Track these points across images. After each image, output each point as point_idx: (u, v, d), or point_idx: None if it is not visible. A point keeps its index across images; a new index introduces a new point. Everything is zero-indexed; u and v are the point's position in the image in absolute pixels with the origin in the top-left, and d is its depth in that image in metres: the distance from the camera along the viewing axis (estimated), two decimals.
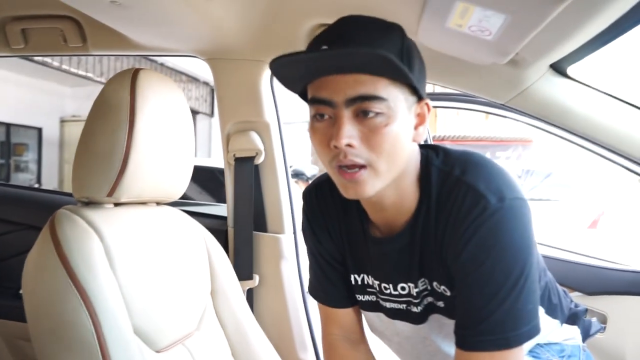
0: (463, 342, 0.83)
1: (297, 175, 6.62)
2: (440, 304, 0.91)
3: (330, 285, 1.05)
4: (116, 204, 1.04)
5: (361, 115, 0.77)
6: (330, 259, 1.03)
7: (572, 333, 1.10)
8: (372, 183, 0.79)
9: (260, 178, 1.53)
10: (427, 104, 0.84)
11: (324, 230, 1.02)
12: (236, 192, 1.51)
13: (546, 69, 1.19)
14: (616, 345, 1.49)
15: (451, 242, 0.83)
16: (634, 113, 1.20)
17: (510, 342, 0.79)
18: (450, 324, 0.91)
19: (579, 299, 1.58)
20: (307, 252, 1.08)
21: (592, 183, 8.07)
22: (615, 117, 1.22)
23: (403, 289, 0.93)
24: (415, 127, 0.83)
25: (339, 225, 0.99)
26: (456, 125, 11.55)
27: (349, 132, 0.76)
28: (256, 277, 1.51)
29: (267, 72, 1.47)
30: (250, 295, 1.51)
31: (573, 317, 1.09)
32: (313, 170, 6.38)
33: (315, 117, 0.80)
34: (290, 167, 5.39)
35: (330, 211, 1.00)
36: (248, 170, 1.50)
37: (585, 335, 1.13)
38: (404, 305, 0.95)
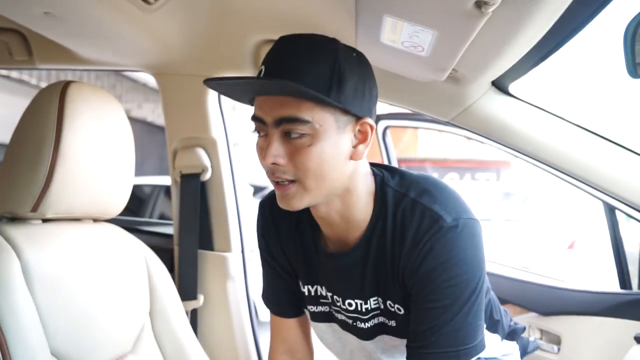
0: (413, 355, 0.86)
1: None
2: (392, 323, 0.94)
3: (279, 294, 1.08)
4: (44, 220, 1.00)
5: (287, 136, 0.81)
6: (280, 269, 1.06)
7: (511, 349, 1.13)
8: (300, 197, 0.83)
9: (207, 195, 1.50)
10: (367, 123, 0.85)
11: (276, 242, 1.04)
12: (182, 209, 1.48)
13: (488, 86, 1.19)
14: None
15: (408, 260, 0.86)
16: (574, 131, 1.20)
17: (461, 355, 0.84)
18: (398, 344, 0.95)
19: (534, 320, 1.56)
20: (261, 263, 1.09)
21: (569, 205, 8.15)
22: (557, 135, 1.22)
23: (350, 304, 0.96)
24: (355, 145, 0.85)
25: (293, 237, 1.01)
26: (437, 147, 11.65)
27: (275, 151, 0.81)
28: (201, 297, 1.47)
29: None
30: (194, 317, 1.47)
31: (512, 334, 1.12)
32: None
33: (256, 133, 0.85)
34: (267, 187, 5.34)
35: (284, 223, 1.02)
36: (194, 187, 1.47)
37: (523, 352, 1.16)
38: (351, 321, 0.98)
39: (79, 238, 1.04)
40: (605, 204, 1.34)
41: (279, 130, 0.81)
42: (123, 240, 1.15)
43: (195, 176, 1.48)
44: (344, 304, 0.97)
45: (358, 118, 0.84)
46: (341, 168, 0.84)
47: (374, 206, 0.90)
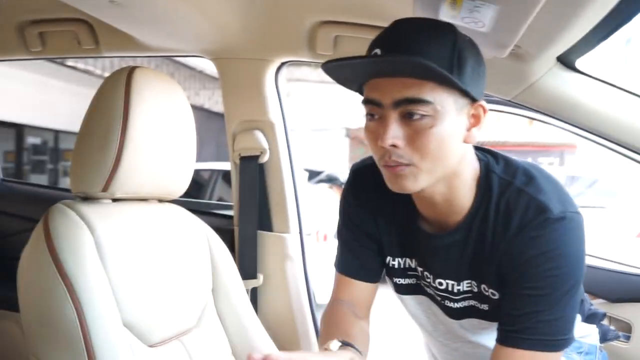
0: (507, 338, 0.87)
1: (331, 180, 6.63)
2: (485, 307, 0.95)
3: (357, 258, 1.07)
4: (114, 200, 1.06)
5: (407, 117, 0.80)
6: (364, 236, 1.05)
7: (590, 331, 1.12)
8: (414, 179, 0.84)
9: (265, 177, 1.53)
10: (482, 106, 0.85)
11: (367, 212, 1.04)
12: (241, 191, 1.52)
13: (553, 62, 1.15)
14: None
15: (510, 246, 0.86)
16: None
17: (556, 345, 0.85)
18: (487, 326, 0.98)
19: (602, 307, 1.50)
20: (340, 225, 1.09)
21: None
22: (630, 113, 1.16)
23: (440, 284, 0.97)
24: (468, 129, 0.85)
25: (388, 210, 1.01)
26: (497, 130, 11.31)
27: (394, 133, 0.80)
28: (260, 277, 1.51)
29: (271, 70, 1.48)
30: (254, 295, 1.51)
31: (591, 317, 1.12)
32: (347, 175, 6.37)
33: (367, 117, 0.85)
34: (323, 172, 5.42)
35: (381, 193, 0.99)
36: (253, 169, 1.51)
37: (603, 338, 1.15)
38: (440, 298, 1.00)
39: (145, 217, 1.09)
40: None
41: (397, 112, 0.80)
42: (187, 220, 1.20)
43: (254, 158, 1.51)
44: (433, 282, 0.98)
45: (473, 101, 0.84)
46: (456, 151, 0.84)
47: (477, 191, 0.90)
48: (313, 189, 5.90)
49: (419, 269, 1.01)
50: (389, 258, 1.04)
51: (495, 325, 0.92)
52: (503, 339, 0.87)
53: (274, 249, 1.53)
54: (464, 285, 0.95)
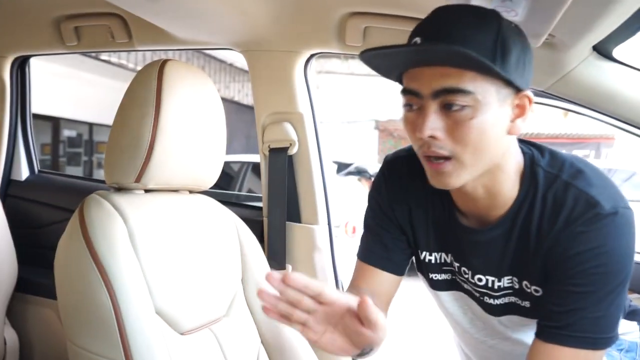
0: (548, 334, 0.84)
1: (360, 172, 6.60)
2: (526, 304, 0.93)
3: (385, 248, 1.03)
4: (147, 191, 1.08)
5: (446, 108, 0.78)
6: (394, 227, 1.03)
7: (631, 328, 1.09)
8: (457, 175, 0.81)
9: (294, 169, 1.54)
10: (527, 96, 0.82)
11: (402, 204, 1.01)
12: (270, 182, 1.53)
13: (589, 51, 1.12)
14: None
15: (556, 241, 0.83)
16: None
17: (599, 343, 0.82)
18: (528, 323, 0.95)
19: (637, 302, 1.46)
20: (369, 215, 1.06)
21: None
22: None
23: (480, 280, 0.95)
24: (513, 120, 0.82)
25: (424, 203, 0.99)
26: (531, 122, 11.06)
27: (433, 124, 0.78)
28: (289, 267, 1.52)
29: (300, 62, 1.48)
30: None
31: (632, 314, 1.09)
32: (376, 168, 6.34)
33: (406, 107, 0.83)
34: (352, 164, 5.40)
35: (416, 185, 0.98)
36: (282, 161, 1.52)
37: None
38: (478, 294, 0.97)
39: (176, 207, 1.11)
40: None
41: (437, 102, 0.79)
42: (217, 211, 1.21)
43: (283, 150, 1.52)
44: (472, 278, 0.96)
45: (517, 91, 0.81)
46: (499, 143, 0.82)
47: (522, 185, 0.87)
48: (342, 181, 5.89)
49: (456, 264, 0.99)
50: (424, 253, 1.02)
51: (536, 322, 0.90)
52: (543, 335, 0.85)
53: (303, 240, 1.54)
54: (505, 282, 0.93)
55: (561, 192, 0.84)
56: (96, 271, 0.90)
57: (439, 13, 0.81)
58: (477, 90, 0.77)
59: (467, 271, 0.96)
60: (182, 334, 1.03)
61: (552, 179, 0.85)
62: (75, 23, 1.55)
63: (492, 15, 0.79)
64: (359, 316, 0.76)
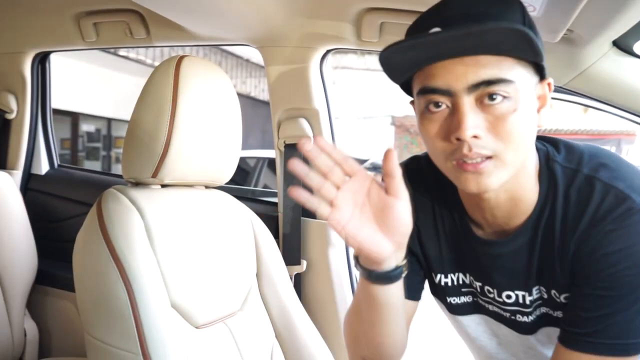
0: (575, 341, 0.76)
1: (376, 168, 6.58)
2: (558, 313, 0.83)
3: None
4: (163, 186, 1.09)
5: (486, 101, 0.69)
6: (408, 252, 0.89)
7: None
8: (498, 174, 0.71)
9: (309, 165, 1.53)
10: (549, 83, 0.75)
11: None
12: (285, 178, 1.54)
13: (608, 46, 1.10)
14: None
15: (582, 242, 0.75)
16: None
17: (631, 350, 0.73)
18: None
19: None
20: None
21: None
22: None
23: (509, 297, 0.85)
24: (538, 110, 0.74)
25: (434, 220, 0.89)
26: (549, 117, 10.91)
27: (474, 122, 0.68)
28: (304, 263, 1.52)
29: (316, 58, 1.48)
30: (298, 281, 1.53)
31: None
32: None
33: (428, 109, 0.72)
34: (368, 160, 5.37)
35: (422, 200, 0.89)
36: (297, 157, 1.51)
37: None
38: (509, 314, 0.87)
39: (192, 202, 1.12)
40: None
41: (472, 97, 0.69)
42: (232, 206, 1.22)
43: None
44: (499, 296, 0.85)
45: (542, 79, 0.74)
46: (533, 137, 0.74)
47: (540, 186, 0.79)
48: None
49: (477, 284, 0.88)
50: (439, 276, 0.92)
51: None
52: (570, 342, 0.76)
53: (317, 236, 1.54)
54: (534, 293, 0.83)
55: (584, 187, 0.75)
56: (113, 265, 0.91)
57: None
58: (518, 78, 0.69)
59: (491, 290, 0.86)
60: (197, 327, 1.04)
61: (572, 174, 0.77)
62: (94, 19, 1.57)
63: None
64: (385, 180, 0.68)
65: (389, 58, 0.72)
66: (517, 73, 0.69)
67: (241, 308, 1.17)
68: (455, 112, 0.70)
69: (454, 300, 0.93)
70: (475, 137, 0.69)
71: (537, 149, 0.80)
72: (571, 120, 10.29)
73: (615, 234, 0.72)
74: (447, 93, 0.70)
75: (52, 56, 1.91)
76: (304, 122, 1.51)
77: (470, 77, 0.68)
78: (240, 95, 1.15)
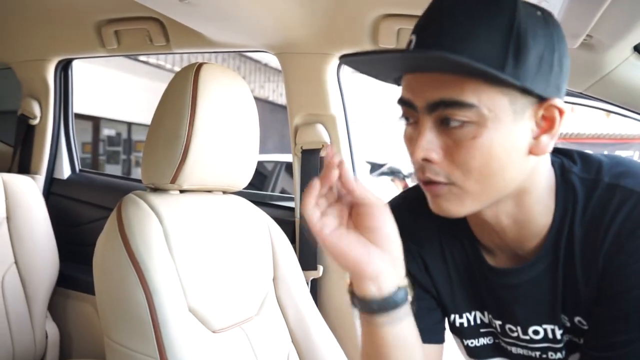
0: None
1: (393, 173, 6.55)
2: (583, 340, 0.74)
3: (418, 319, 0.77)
4: (181, 191, 1.10)
5: (444, 124, 0.63)
6: (420, 290, 0.82)
7: None
8: (458, 202, 0.66)
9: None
10: (555, 106, 0.63)
11: (416, 258, 0.81)
12: (303, 183, 1.54)
13: (629, 52, 1.09)
14: None
15: (609, 259, 0.67)
16: None
17: None
18: None
19: None
20: None
21: None
22: None
23: (536, 333, 0.75)
24: (537, 136, 0.65)
25: (442, 253, 0.80)
26: (571, 122, 10.78)
27: (427, 145, 0.63)
28: (320, 268, 1.52)
29: (333, 65, 1.48)
30: (314, 286, 1.53)
31: None
32: (409, 168, 6.28)
33: (404, 120, 0.69)
34: (386, 164, 5.34)
35: (428, 233, 0.81)
36: (314, 162, 1.52)
37: None
38: (538, 353, 0.77)
39: (210, 207, 1.13)
40: None
41: (433, 117, 0.63)
42: (249, 211, 1.23)
43: (316, 151, 1.52)
44: (524, 334, 0.76)
45: (542, 100, 0.63)
46: (516, 166, 0.65)
47: (557, 202, 0.70)
48: (375, 181, 5.86)
49: (496, 322, 0.79)
50: (453, 316, 0.82)
51: None
52: None
53: None
54: (565, 323, 0.74)
55: (607, 197, 0.68)
56: (133, 269, 0.93)
57: (442, 2, 0.64)
58: (482, 101, 0.60)
59: (513, 328, 0.77)
60: (214, 332, 1.05)
61: (592, 185, 0.69)
62: (115, 27, 1.60)
63: (506, 4, 0.61)
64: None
65: (357, 68, 0.69)
66: (484, 95, 0.61)
67: (258, 313, 1.18)
68: (417, 129, 0.66)
69: (472, 342, 0.83)
70: (428, 160, 0.64)
71: (552, 163, 0.73)
72: (593, 124, 10.13)
73: None
74: (412, 107, 0.65)
75: (74, 62, 1.94)
76: (320, 128, 1.52)
77: (428, 96, 0.63)
78: (258, 99, 1.16)
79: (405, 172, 6.25)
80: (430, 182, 0.66)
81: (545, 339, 0.75)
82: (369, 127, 12.57)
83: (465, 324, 0.82)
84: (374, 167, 6.36)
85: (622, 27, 0.97)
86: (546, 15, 0.64)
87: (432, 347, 0.79)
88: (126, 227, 0.96)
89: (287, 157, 5.42)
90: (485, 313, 0.80)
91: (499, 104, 0.61)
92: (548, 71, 0.62)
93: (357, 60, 0.65)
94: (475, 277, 0.78)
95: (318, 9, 1.31)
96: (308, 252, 1.52)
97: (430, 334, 0.79)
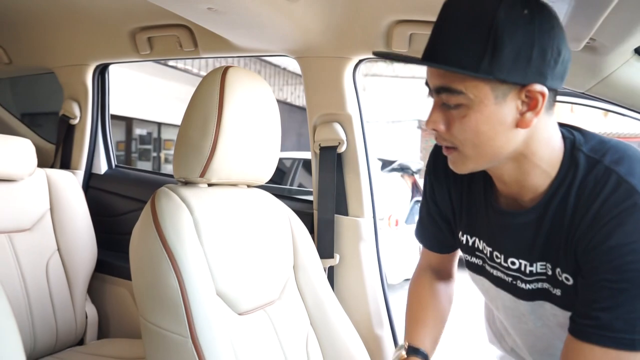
0: (581, 332, 0.76)
1: (403, 169, 6.52)
2: (557, 292, 0.84)
3: (431, 234, 1.08)
4: (210, 185, 1.11)
5: (446, 105, 0.77)
6: (437, 214, 1.04)
7: None
8: (462, 163, 0.81)
9: (342, 166, 1.55)
10: (535, 90, 0.73)
11: (443, 188, 1.00)
12: (320, 178, 1.54)
13: (630, 54, 1.07)
14: None
15: (587, 233, 0.75)
16: None
17: (632, 344, 0.72)
18: (558, 314, 0.86)
19: None
20: (421, 204, 1.10)
21: None
22: None
23: (513, 263, 0.89)
24: (523, 112, 0.75)
25: (462, 186, 0.97)
26: (570, 121, 10.61)
27: (434, 118, 0.78)
28: (337, 256, 1.53)
29: (350, 67, 1.48)
30: (331, 273, 1.54)
31: None
32: (418, 165, 6.25)
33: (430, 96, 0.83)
34: (396, 161, 5.30)
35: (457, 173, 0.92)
36: (331, 159, 1.52)
37: None
38: (510, 279, 0.91)
39: (236, 200, 1.14)
40: None
41: (439, 97, 0.78)
42: (271, 204, 1.24)
43: (333, 148, 1.52)
44: (505, 262, 0.90)
45: (523, 85, 0.73)
46: (504, 137, 0.76)
47: (559, 171, 0.80)
48: (386, 177, 5.84)
49: (488, 249, 0.93)
50: (460, 233, 0.99)
51: (567, 314, 0.82)
52: (575, 331, 0.77)
53: (350, 232, 1.54)
54: (538, 267, 0.85)
55: (601, 178, 0.75)
56: (166, 256, 0.94)
57: (442, 8, 0.77)
58: (468, 89, 0.73)
59: (499, 255, 0.91)
60: (239, 314, 1.06)
61: (593, 163, 0.77)
62: (148, 34, 1.62)
63: (489, 5, 0.70)
64: None
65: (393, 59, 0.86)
66: (469, 84, 0.73)
67: (279, 297, 1.18)
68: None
69: (467, 257, 1.01)
70: (435, 129, 0.79)
71: (564, 137, 0.82)
72: (591, 123, 9.98)
73: (621, 227, 0.72)
74: (430, 89, 0.80)
75: (110, 67, 1.97)
76: (337, 127, 1.52)
77: (434, 81, 0.77)
78: (277, 101, 1.16)
79: (414, 168, 6.22)
80: (445, 148, 0.81)
81: (518, 270, 0.88)
82: (381, 127, 12.53)
83: (464, 242, 0.99)
84: (385, 164, 6.34)
85: (624, 31, 0.95)
86: (534, 13, 0.71)
87: (451, 254, 1.09)
88: (159, 217, 0.97)
89: (304, 155, 5.44)
90: (482, 241, 0.95)
91: (482, 90, 0.73)
92: (526, 62, 0.71)
93: (388, 56, 0.86)
94: (481, 212, 0.93)
95: (335, 16, 1.31)
96: (325, 242, 1.53)
97: (445, 246, 1.08)
